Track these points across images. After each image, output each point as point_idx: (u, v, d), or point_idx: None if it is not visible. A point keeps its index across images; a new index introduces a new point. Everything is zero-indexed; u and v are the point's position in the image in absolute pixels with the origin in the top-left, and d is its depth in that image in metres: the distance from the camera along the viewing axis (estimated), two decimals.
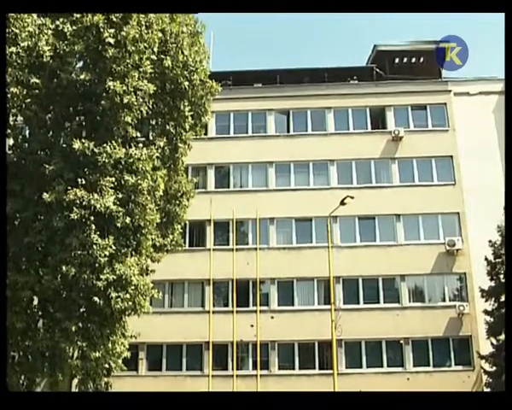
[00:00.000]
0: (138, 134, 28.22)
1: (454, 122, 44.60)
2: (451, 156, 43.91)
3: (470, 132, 43.59)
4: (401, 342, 40.77)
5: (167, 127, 30.37)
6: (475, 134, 43.58)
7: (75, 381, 30.29)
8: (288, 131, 45.79)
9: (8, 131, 29.70)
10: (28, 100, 27.71)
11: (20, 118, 29.78)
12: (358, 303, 41.66)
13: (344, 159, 44.36)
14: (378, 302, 41.64)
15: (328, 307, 35.76)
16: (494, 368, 36.09)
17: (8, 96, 26.19)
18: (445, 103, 45.07)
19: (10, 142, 30.33)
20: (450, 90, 45.19)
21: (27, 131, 30.77)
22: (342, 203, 33.15)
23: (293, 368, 41.26)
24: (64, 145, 28.50)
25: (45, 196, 25.71)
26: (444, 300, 41.71)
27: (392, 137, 44.22)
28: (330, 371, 33.84)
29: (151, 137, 30.30)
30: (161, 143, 29.65)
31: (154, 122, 30.77)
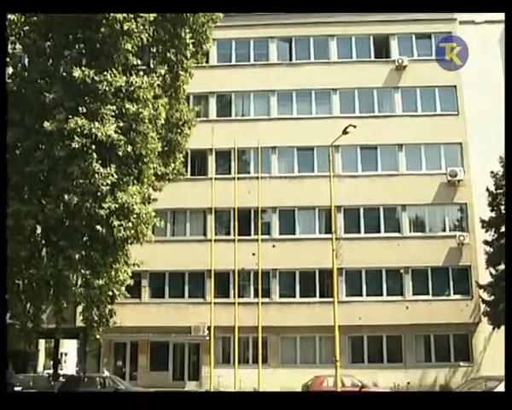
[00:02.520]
0: (139, 62, 28.03)
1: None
2: (455, 86, 43.51)
3: (475, 62, 43.02)
4: (401, 271, 41.14)
5: (168, 55, 30.04)
6: (480, 64, 43.02)
7: (79, 308, 30.76)
8: (291, 60, 45.31)
9: (7, 59, 29.40)
10: (26, 27, 27.40)
11: (18, 46, 29.46)
12: (359, 232, 41.90)
13: (347, 88, 43.97)
14: (379, 232, 41.87)
15: (329, 236, 35.85)
16: (492, 297, 36.52)
17: (6, 23, 25.81)
18: (451, 32, 44.39)
19: (9, 70, 30.07)
20: (455, 19, 44.43)
21: (26, 60, 30.47)
22: (344, 132, 32.93)
23: (294, 296, 41.74)
24: (64, 73, 28.32)
25: (46, 124, 25.64)
26: (444, 230, 41.92)
27: (396, 66, 43.75)
28: (330, 300, 34.16)
29: (152, 65, 30.04)
30: (162, 71, 29.38)
31: (154, 50, 30.40)
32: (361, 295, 41.14)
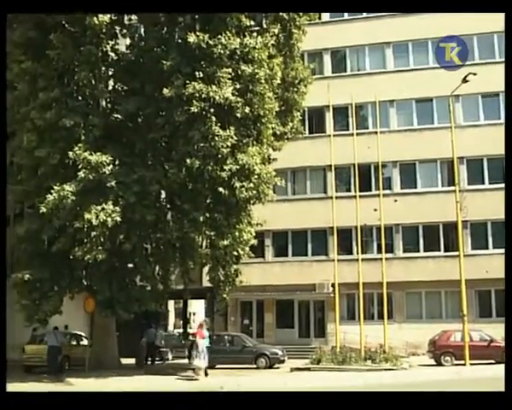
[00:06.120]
0: (252, 23, 28.01)
1: None
2: None
3: None
4: None
5: (280, 13, 29.93)
6: None
7: (206, 269, 31.54)
8: None
9: (124, 31, 30.20)
10: None
11: (134, 17, 30.14)
12: (483, 184, 40.70)
13: (465, 34, 42.14)
14: (504, 182, 40.42)
15: (452, 188, 35.03)
16: None
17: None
18: None
19: (127, 42, 30.90)
20: None
21: (142, 30, 31.12)
22: (464, 81, 31.92)
23: (418, 251, 41.27)
24: (179, 40, 28.75)
25: (165, 91, 26.18)
26: None
27: None
28: (456, 253, 33.49)
29: (265, 25, 30.00)
30: (275, 30, 29.37)
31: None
32: (487, 248, 40.09)
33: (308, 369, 30.66)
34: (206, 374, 27.55)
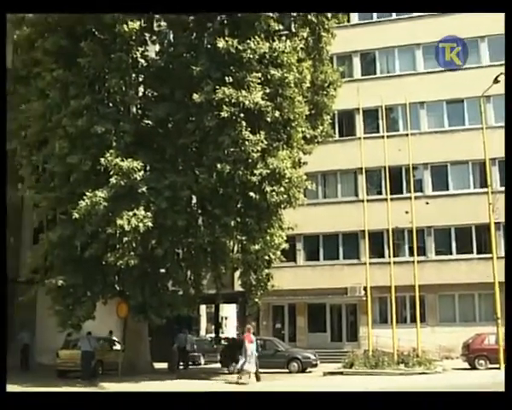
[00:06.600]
0: (280, 27, 28.05)
1: None
2: None
3: None
4: None
5: (309, 17, 29.91)
6: None
7: (237, 273, 31.58)
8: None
9: (154, 37, 30.38)
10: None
11: (163, 23, 30.29)
12: None
13: (496, 34, 41.59)
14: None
15: (484, 190, 34.74)
16: None
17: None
18: None
19: (156, 48, 31.08)
20: None
21: (171, 36, 31.28)
22: (495, 81, 31.63)
23: (451, 253, 40.97)
24: (208, 45, 28.88)
25: (195, 96, 26.30)
26: None
27: None
28: (489, 255, 33.21)
29: (293, 29, 30.03)
30: (304, 34, 29.41)
31: (295, 13, 30.34)
32: None
33: (341, 373, 30.56)
34: (259, 379, 27.62)
